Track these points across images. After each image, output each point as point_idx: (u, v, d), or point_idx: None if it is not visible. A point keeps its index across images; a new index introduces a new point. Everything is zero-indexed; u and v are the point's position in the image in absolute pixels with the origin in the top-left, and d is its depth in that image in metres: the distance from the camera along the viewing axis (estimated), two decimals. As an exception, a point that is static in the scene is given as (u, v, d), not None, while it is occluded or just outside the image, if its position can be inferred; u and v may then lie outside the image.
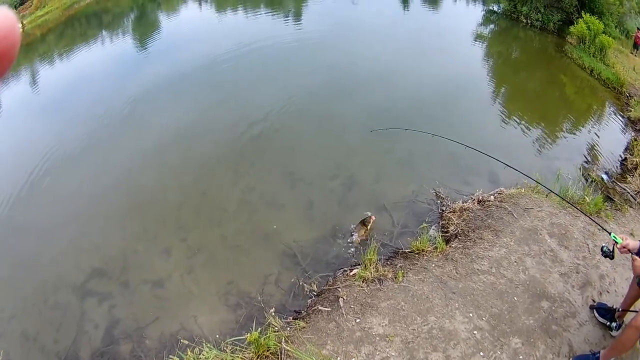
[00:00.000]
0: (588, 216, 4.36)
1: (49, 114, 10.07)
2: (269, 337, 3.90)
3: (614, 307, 4.14)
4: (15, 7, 19.21)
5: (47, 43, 16.43)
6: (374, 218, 5.83)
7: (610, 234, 3.53)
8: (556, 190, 5.84)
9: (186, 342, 4.30)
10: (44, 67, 13.93)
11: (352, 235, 5.71)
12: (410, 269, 4.71)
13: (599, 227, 4.11)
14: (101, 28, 17.86)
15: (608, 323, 4.13)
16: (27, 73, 13.15)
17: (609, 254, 3.58)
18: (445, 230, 5.53)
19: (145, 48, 14.39)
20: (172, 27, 16.81)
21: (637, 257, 3.33)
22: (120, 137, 8.50)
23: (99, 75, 11.84)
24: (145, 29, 16.91)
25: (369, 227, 5.74)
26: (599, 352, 3.75)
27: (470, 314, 4.17)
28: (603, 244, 3.73)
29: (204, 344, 4.07)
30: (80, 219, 6.44)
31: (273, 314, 4.25)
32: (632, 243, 3.44)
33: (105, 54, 14.37)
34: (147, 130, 8.59)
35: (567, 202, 5.46)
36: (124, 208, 6.57)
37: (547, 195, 6.01)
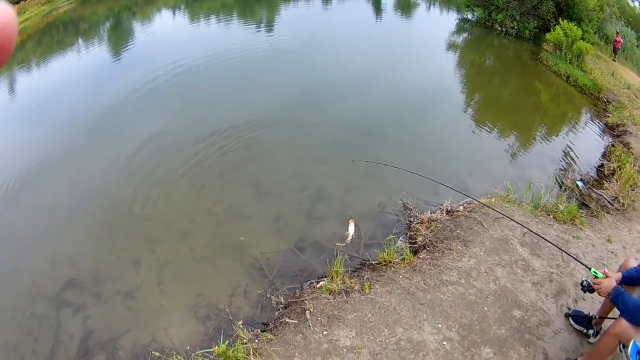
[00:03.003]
0: (566, 252, 4.19)
1: (24, 123, 9.89)
2: (237, 349, 3.87)
3: (591, 314, 4.14)
4: None
5: (26, 50, 16.16)
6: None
7: (590, 269, 3.54)
8: (528, 198, 5.89)
9: (157, 353, 4.27)
10: (21, 75, 13.66)
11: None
12: (377, 281, 4.68)
13: (578, 262, 4.07)
14: (77, 36, 17.82)
15: (585, 330, 4.12)
16: (4, 81, 12.92)
17: (589, 289, 3.59)
18: (413, 241, 5.46)
19: (119, 57, 14.27)
20: (146, 37, 16.82)
21: (599, 283, 3.36)
22: (93, 148, 8.39)
23: (74, 85, 11.70)
24: (119, 38, 16.83)
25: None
26: None
27: (439, 325, 4.15)
28: (583, 279, 3.73)
29: (174, 356, 4.05)
30: (52, 229, 6.35)
31: (241, 326, 4.25)
32: (613, 275, 3.45)
33: (81, 62, 14.25)
34: (117, 141, 8.49)
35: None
36: (96, 219, 6.47)
37: (519, 205, 6.04)
